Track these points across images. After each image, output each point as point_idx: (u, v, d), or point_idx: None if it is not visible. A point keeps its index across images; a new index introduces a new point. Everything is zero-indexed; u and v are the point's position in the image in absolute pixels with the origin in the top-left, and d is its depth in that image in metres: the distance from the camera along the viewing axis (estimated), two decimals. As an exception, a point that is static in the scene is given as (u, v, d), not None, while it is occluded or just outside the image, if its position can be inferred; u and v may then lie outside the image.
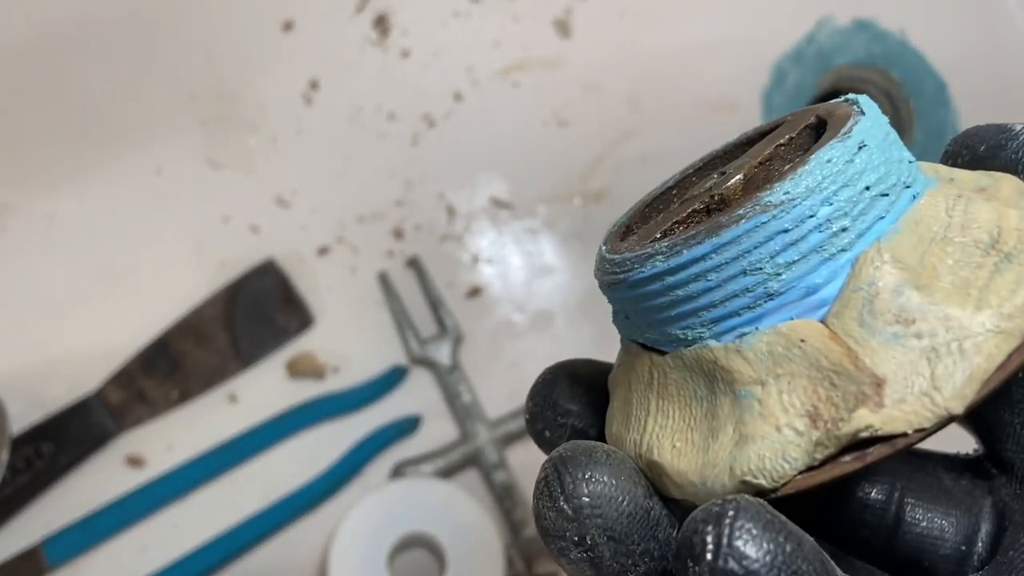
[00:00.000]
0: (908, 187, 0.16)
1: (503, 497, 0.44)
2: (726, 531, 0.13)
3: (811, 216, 0.15)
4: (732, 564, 0.12)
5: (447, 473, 0.45)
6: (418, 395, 0.46)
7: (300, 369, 0.46)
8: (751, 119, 0.49)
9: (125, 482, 0.44)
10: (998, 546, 0.19)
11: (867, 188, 0.15)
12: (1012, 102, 0.50)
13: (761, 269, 0.15)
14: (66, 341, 0.45)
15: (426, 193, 0.48)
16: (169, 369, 0.45)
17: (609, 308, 0.19)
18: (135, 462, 0.44)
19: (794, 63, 0.50)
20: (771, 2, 0.50)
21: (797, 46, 0.50)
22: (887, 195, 0.16)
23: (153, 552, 0.43)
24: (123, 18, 0.47)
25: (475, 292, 0.47)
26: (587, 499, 0.15)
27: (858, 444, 0.15)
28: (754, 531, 0.13)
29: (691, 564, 0.13)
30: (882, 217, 0.15)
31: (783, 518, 0.14)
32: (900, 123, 0.50)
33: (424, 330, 0.46)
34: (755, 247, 0.15)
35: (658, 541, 0.15)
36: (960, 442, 0.20)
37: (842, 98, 0.17)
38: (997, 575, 0.18)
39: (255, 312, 0.46)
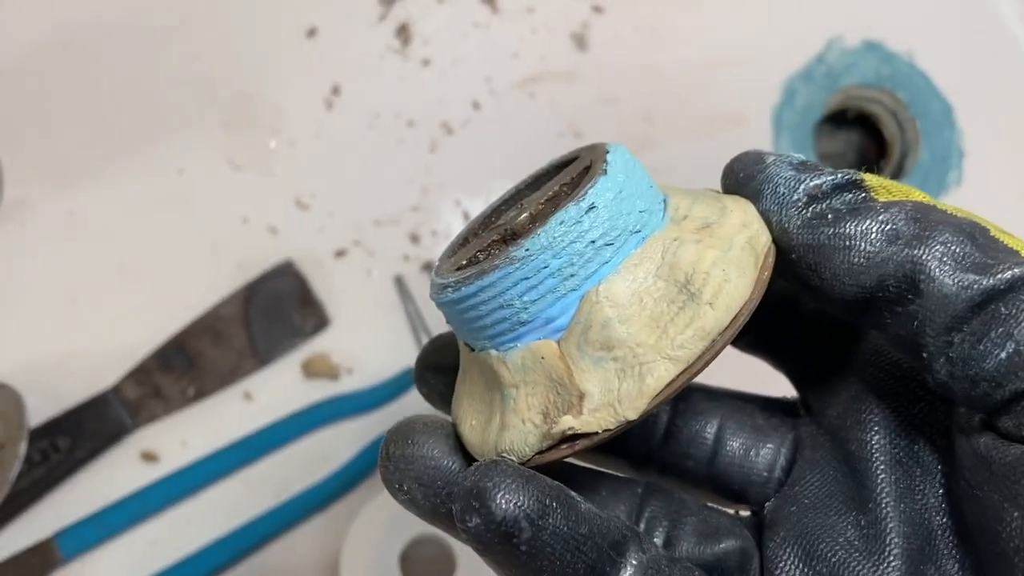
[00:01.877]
0: (637, 232, 0.20)
1: (513, 500, 0.45)
2: (482, 471, 0.19)
3: (545, 267, 0.20)
4: (485, 491, 0.18)
5: (458, 475, 0.45)
6: (431, 398, 0.47)
7: (315, 369, 0.46)
8: (761, 135, 0.50)
9: (139, 477, 0.44)
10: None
11: (592, 242, 0.20)
12: (1016, 126, 0.51)
13: (512, 305, 0.20)
14: (84, 336, 0.45)
15: (443, 199, 0.48)
16: (186, 366, 0.45)
17: None
18: (149, 458, 0.45)
19: (804, 82, 0.51)
20: (783, 22, 0.51)
21: (807, 65, 0.51)
22: (612, 244, 0.20)
23: (165, 547, 0.43)
24: (149, 19, 0.48)
25: (489, 298, 0.48)
26: (402, 459, 0.21)
27: (572, 437, 0.20)
28: (497, 472, 0.19)
29: (461, 493, 0.19)
30: (607, 262, 0.20)
31: (522, 468, 0.19)
32: (906, 144, 0.52)
33: (438, 333, 0.47)
34: (507, 289, 0.20)
35: (456, 486, 0.20)
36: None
37: (605, 148, 0.21)
38: (782, 502, 0.23)
39: (272, 312, 0.46)
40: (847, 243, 0.20)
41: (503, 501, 0.18)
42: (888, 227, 0.20)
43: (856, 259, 0.20)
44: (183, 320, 0.46)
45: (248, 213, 0.47)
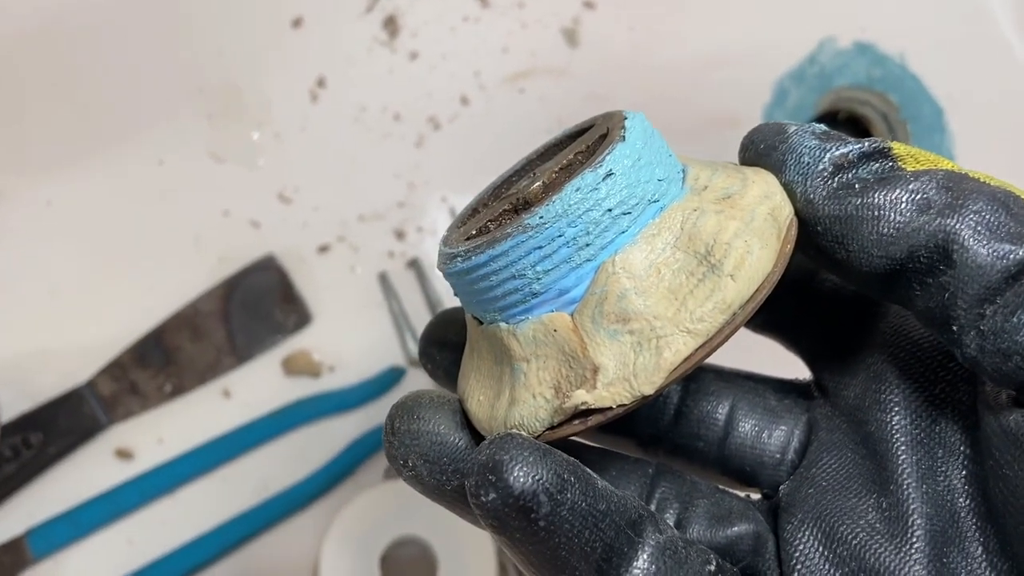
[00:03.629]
0: (655, 201, 0.19)
1: (496, 502, 0.44)
2: (498, 444, 0.18)
3: (560, 236, 0.19)
4: (501, 464, 0.18)
5: (441, 476, 0.44)
6: (414, 397, 0.46)
7: (296, 367, 0.45)
8: (752, 136, 0.50)
9: (114, 475, 0.43)
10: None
11: (609, 210, 0.19)
12: (1007, 130, 0.51)
13: (525, 275, 0.19)
14: (59, 330, 0.44)
15: (429, 195, 0.48)
16: (163, 362, 0.44)
17: None
18: (124, 455, 0.44)
19: (796, 82, 0.51)
20: (775, 22, 0.51)
21: (799, 66, 0.51)
22: (629, 213, 0.19)
23: (140, 547, 0.43)
24: (133, 7, 0.47)
25: (474, 296, 0.47)
26: (408, 434, 0.20)
27: (584, 412, 0.19)
28: (513, 445, 0.18)
29: (476, 468, 0.18)
30: (624, 232, 0.19)
31: (538, 442, 0.18)
32: (896, 146, 0.51)
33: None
34: (519, 259, 0.19)
35: (464, 463, 0.20)
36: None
37: (623, 114, 0.20)
38: (798, 485, 0.22)
39: (253, 308, 0.45)
40: (876, 213, 0.19)
41: (521, 474, 0.18)
42: (919, 196, 0.19)
43: (885, 229, 0.19)
44: (161, 314, 0.45)
45: (230, 206, 0.46)
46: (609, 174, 0.19)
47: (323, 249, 0.47)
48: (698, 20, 0.50)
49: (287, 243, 0.46)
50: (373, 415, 0.45)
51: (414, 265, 0.47)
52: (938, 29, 0.51)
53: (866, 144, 0.20)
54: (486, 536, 0.42)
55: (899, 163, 0.20)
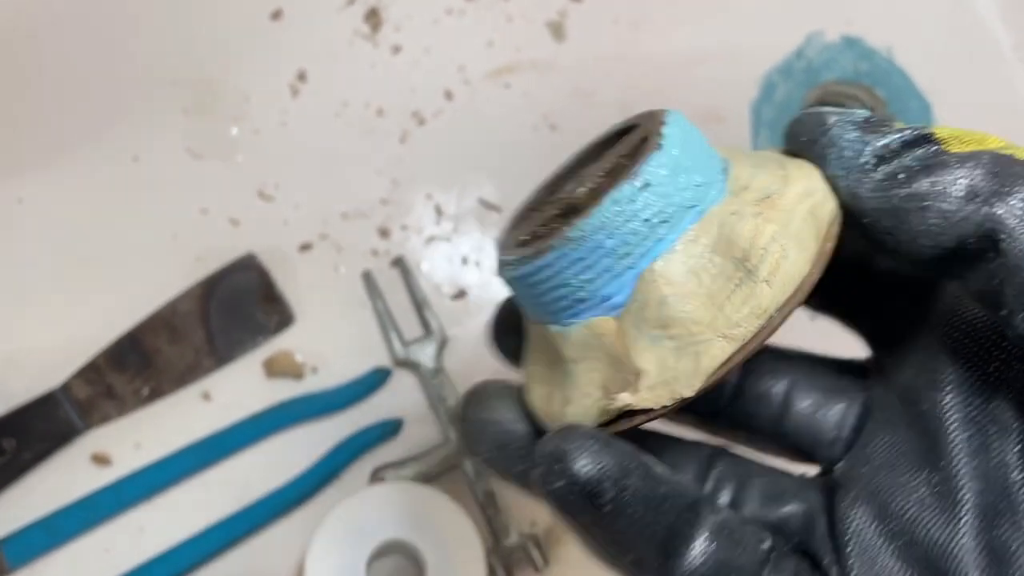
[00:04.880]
0: (693, 207, 0.20)
1: (485, 504, 0.43)
2: (562, 436, 0.20)
3: (600, 247, 0.20)
4: (566, 454, 0.19)
5: (428, 478, 0.44)
6: (400, 398, 0.45)
7: (278, 368, 0.44)
8: (740, 130, 0.49)
9: (90, 481, 0.42)
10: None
11: (647, 220, 0.20)
12: (994, 124, 0.51)
13: (570, 284, 0.20)
14: (31, 332, 0.43)
15: (413, 192, 0.47)
16: (140, 365, 0.43)
17: None
18: (101, 460, 0.42)
19: (783, 77, 0.50)
20: (762, 16, 0.50)
21: (786, 60, 0.50)
22: (667, 221, 0.20)
23: (118, 555, 0.41)
24: (110, 2, 0.46)
25: (461, 294, 0.46)
26: (477, 423, 0.23)
27: (630, 413, 0.20)
28: (577, 436, 0.20)
29: (543, 458, 0.20)
30: (661, 239, 0.20)
31: (599, 431, 0.20)
32: (883, 141, 0.51)
33: (408, 332, 0.45)
34: (563, 269, 0.20)
35: (529, 450, 0.21)
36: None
37: (662, 118, 0.21)
38: (853, 462, 0.23)
39: (233, 308, 0.44)
40: (922, 204, 0.19)
41: (585, 463, 0.19)
42: (965, 183, 0.19)
43: (933, 220, 0.19)
44: (138, 315, 0.44)
45: (208, 204, 0.45)
46: (646, 185, 0.19)
47: (305, 247, 0.46)
48: (685, 14, 0.50)
49: (268, 242, 0.45)
50: (358, 417, 0.44)
51: (398, 263, 0.46)
52: (926, 24, 0.51)
53: (908, 132, 0.20)
54: (475, 540, 0.41)
55: (943, 146, 0.20)
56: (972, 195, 0.19)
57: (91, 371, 0.43)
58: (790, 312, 0.20)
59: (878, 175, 0.20)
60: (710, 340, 0.19)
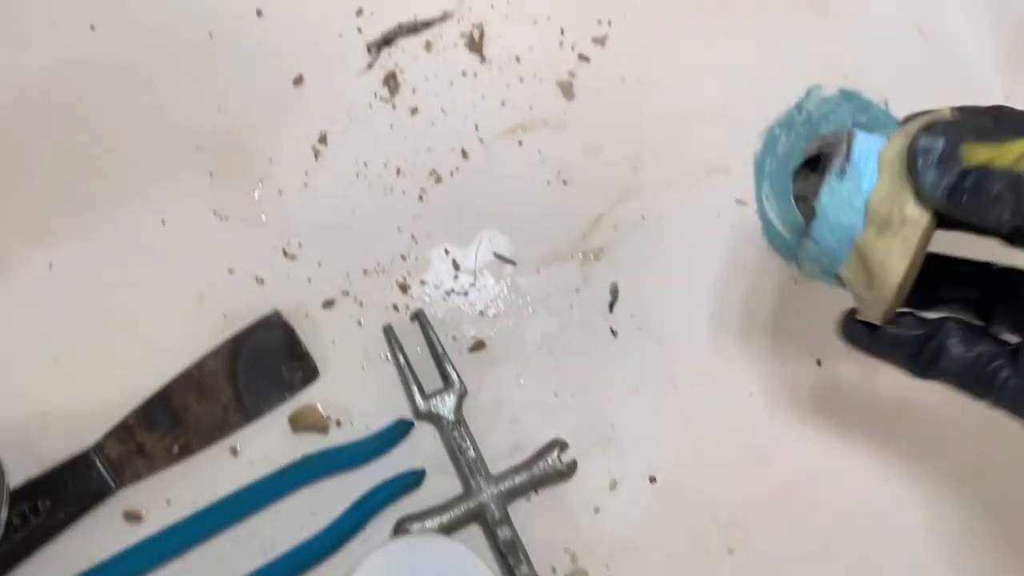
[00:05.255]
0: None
1: (506, 553, 0.44)
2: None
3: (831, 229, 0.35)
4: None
5: (450, 529, 0.45)
6: (421, 450, 0.46)
7: (303, 423, 0.46)
8: (743, 182, 0.51)
9: (123, 538, 0.43)
10: None
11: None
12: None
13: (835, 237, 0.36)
14: (64, 393, 0.44)
15: (431, 248, 0.48)
16: (170, 423, 0.44)
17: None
18: (133, 517, 0.43)
19: (784, 130, 0.52)
20: (763, 73, 0.52)
21: (787, 114, 0.52)
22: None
23: (151, 611, 0.42)
24: (132, 65, 0.47)
25: (479, 346, 0.48)
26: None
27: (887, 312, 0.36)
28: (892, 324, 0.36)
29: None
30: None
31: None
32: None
33: (428, 384, 0.47)
34: (828, 230, 0.36)
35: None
36: None
37: (844, 138, 0.36)
38: None
39: (259, 365, 0.45)
40: (983, 209, 0.31)
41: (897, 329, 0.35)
42: (1008, 185, 0.31)
43: (992, 218, 0.31)
44: (167, 375, 0.45)
45: (234, 264, 0.46)
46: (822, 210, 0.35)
47: (328, 304, 0.47)
48: (688, 72, 0.52)
49: (292, 299, 0.46)
50: (381, 469, 0.46)
51: (418, 317, 0.47)
52: (920, 75, 0.53)
53: (961, 172, 0.32)
54: (500, 589, 0.42)
55: (986, 167, 0.31)
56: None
57: (123, 430, 0.44)
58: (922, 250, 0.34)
59: (948, 199, 0.32)
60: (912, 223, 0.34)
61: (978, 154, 0.32)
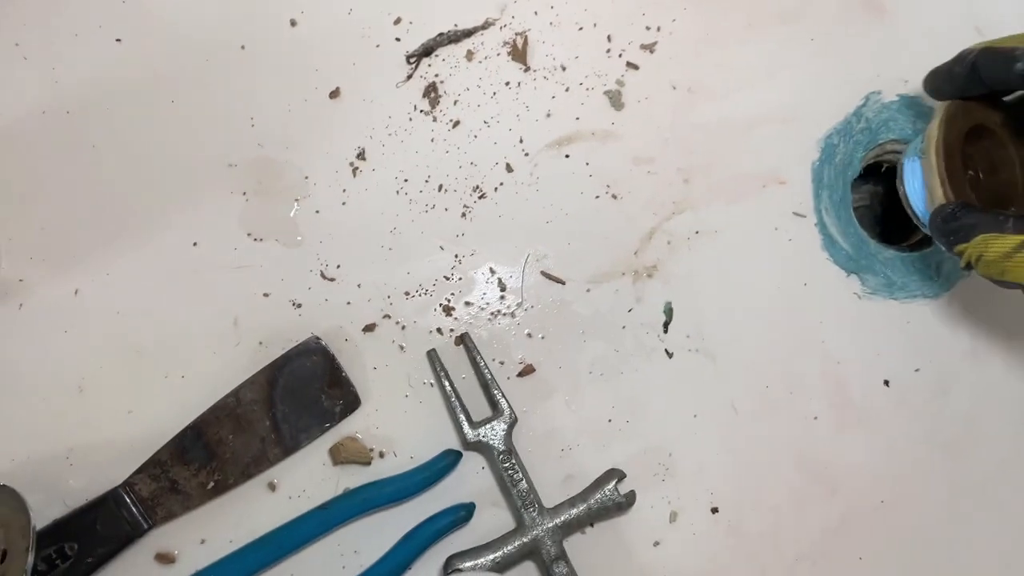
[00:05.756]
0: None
1: (564, 592, 0.42)
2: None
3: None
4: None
5: (504, 567, 0.42)
6: (470, 482, 0.43)
7: (344, 455, 0.43)
8: (801, 193, 0.48)
9: (155, 583, 0.40)
10: None
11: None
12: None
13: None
14: (91, 428, 0.41)
15: (476, 267, 0.46)
16: (204, 457, 0.42)
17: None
18: (165, 559, 0.41)
19: (843, 138, 0.50)
20: (820, 78, 0.50)
21: (846, 121, 0.50)
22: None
23: (186, 661, 0.39)
24: (160, 79, 0.45)
25: (527, 371, 0.45)
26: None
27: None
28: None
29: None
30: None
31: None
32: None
33: (475, 411, 0.44)
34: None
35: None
36: None
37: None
38: None
39: (298, 394, 0.43)
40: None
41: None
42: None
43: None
44: (201, 406, 0.42)
45: (269, 287, 0.44)
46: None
47: (368, 328, 0.44)
48: (740, 78, 0.49)
49: (331, 323, 0.44)
50: (429, 502, 0.43)
51: (463, 341, 0.45)
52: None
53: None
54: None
55: None
56: None
57: (154, 466, 0.41)
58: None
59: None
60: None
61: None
